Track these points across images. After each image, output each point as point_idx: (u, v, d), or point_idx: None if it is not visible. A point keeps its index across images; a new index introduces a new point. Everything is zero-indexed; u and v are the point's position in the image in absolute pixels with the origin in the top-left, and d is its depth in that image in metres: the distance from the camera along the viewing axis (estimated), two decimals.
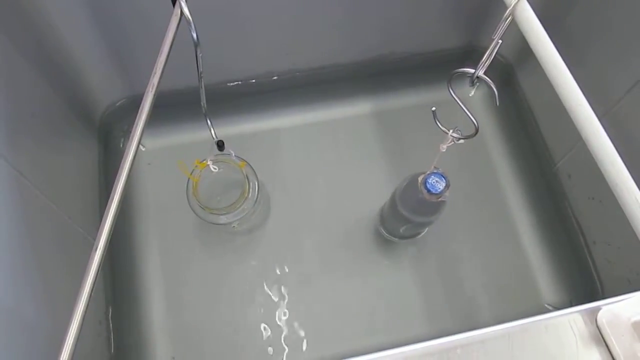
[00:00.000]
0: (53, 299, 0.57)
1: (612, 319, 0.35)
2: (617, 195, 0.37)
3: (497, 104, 0.50)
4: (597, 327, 0.35)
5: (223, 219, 0.68)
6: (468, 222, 0.80)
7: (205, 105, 0.54)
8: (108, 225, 0.39)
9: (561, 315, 0.36)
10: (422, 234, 0.77)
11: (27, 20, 0.62)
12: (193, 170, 0.66)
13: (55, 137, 0.69)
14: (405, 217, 0.66)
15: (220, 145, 0.63)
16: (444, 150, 0.54)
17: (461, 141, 0.53)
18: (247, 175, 0.68)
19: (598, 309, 0.35)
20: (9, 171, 0.53)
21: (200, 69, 0.49)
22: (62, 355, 0.35)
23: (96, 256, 0.38)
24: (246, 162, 0.69)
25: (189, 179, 0.67)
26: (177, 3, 0.45)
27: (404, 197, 0.65)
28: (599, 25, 0.66)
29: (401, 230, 0.73)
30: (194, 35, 0.45)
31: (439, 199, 0.58)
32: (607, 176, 0.37)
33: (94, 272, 0.37)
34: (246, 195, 0.67)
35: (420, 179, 0.59)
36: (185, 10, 0.44)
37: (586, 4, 0.67)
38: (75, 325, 0.36)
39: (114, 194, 0.39)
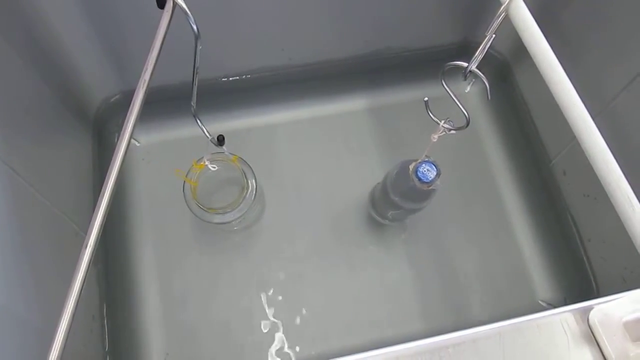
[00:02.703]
0: (45, 295, 0.57)
1: (604, 318, 0.35)
2: (610, 194, 0.37)
3: (489, 97, 0.50)
4: (589, 326, 0.35)
5: (224, 218, 0.68)
6: (463, 219, 0.80)
7: (194, 105, 0.53)
8: (98, 222, 0.39)
9: (553, 314, 0.36)
10: (411, 215, 0.77)
11: (20, 15, 0.61)
12: (188, 172, 0.66)
13: (48, 133, 0.68)
14: (395, 203, 0.66)
15: (221, 140, 0.62)
16: (435, 140, 0.54)
17: (452, 132, 0.53)
18: (244, 172, 0.68)
19: (590, 308, 0.35)
20: (1, 167, 0.53)
21: (197, 64, 0.49)
22: (52, 351, 0.35)
23: (86, 253, 0.37)
24: (238, 156, 0.68)
25: (184, 181, 0.66)
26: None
27: (395, 183, 0.65)
28: (594, 21, 0.66)
29: (389, 215, 0.73)
30: (194, 28, 0.45)
31: (430, 187, 0.58)
32: (599, 174, 0.37)
33: (83, 270, 0.37)
34: (245, 192, 0.67)
35: (411, 167, 0.59)
36: (181, 3, 0.44)
37: (581, 0, 0.67)
38: (65, 322, 0.36)
39: (105, 192, 0.39)
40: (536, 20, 0.44)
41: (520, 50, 0.84)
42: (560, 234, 0.79)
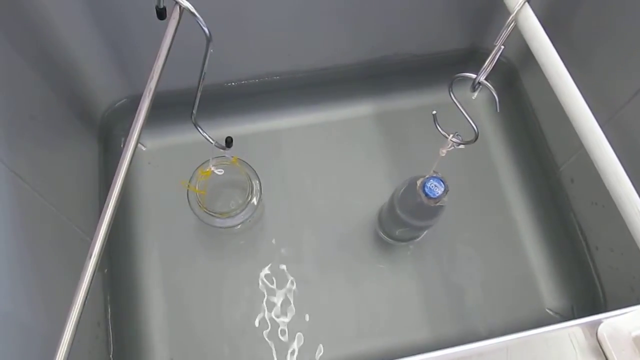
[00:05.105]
0: (51, 301, 0.57)
1: (613, 332, 0.34)
2: (619, 207, 0.36)
3: (498, 109, 0.50)
4: (598, 340, 0.35)
5: (233, 221, 0.68)
6: (469, 226, 0.80)
7: (195, 113, 0.53)
8: (104, 230, 0.38)
9: (561, 328, 0.35)
10: (420, 237, 0.76)
11: (26, 19, 0.61)
12: (192, 178, 0.66)
13: (54, 138, 0.68)
14: (403, 220, 0.65)
15: (229, 142, 0.61)
16: (444, 155, 0.54)
17: (461, 146, 0.52)
18: (248, 175, 0.68)
19: (599, 322, 0.35)
20: (6, 174, 0.53)
21: (205, 69, 0.49)
22: (56, 358, 0.35)
23: (91, 262, 0.37)
24: (237, 157, 0.68)
25: (187, 189, 0.66)
26: (177, 5, 0.44)
27: (403, 200, 0.64)
28: (603, 29, 0.65)
29: (397, 233, 0.72)
30: (206, 30, 0.45)
31: (437, 204, 0.58)
32: (609, 187, 0.37)
33: (88, 278, 0.37)
34: (250, 194, 0.67)
35: (418, 182, 0.59)
36: (189, 6, 0.44)
37: (590, 8, 0.66)
38: (70, 329, 0.36)
39: (110, 200, 0.39)
40: (544, 28, 0.44)
41: (527, 56, 0.83)
42: (568, 241, 0.78)
